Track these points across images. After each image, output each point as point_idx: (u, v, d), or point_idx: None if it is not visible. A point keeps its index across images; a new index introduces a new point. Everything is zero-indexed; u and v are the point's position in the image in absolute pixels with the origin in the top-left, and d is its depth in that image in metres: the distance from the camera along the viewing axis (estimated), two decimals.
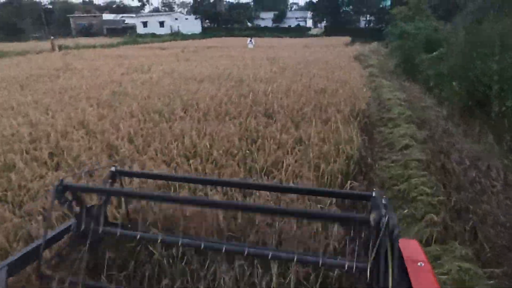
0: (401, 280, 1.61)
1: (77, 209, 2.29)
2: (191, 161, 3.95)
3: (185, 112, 6.07)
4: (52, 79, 10.33)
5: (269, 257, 2.14)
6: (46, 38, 48.97)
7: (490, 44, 7.54)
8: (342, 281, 2.35)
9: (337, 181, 3.72)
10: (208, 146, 4.40)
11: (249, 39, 26.89)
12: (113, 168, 2.49)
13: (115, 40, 39.28)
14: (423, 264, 1.69)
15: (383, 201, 1.87)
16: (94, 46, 31.03)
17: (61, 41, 36.26)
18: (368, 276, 1.86)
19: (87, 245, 2.24)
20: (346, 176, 3.94)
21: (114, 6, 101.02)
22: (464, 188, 4.80)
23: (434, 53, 12.93)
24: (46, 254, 2.18)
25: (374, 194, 2.05)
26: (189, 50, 22.75)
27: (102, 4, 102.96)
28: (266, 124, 5.45)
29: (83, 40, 39.87)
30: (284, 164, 3.84)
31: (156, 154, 4.22)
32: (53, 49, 26.45)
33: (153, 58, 17.03)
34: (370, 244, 1.87)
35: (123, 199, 2.71)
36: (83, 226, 2.29)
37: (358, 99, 7.06)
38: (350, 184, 3.51)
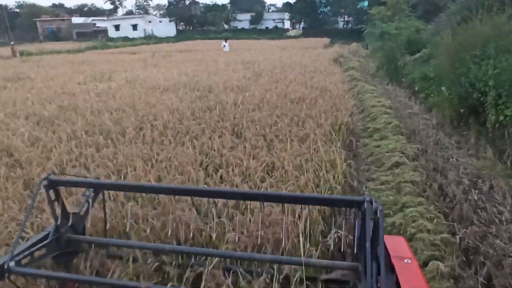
0: (389, 276, 1.57)
1: (58, 211, 2.18)
2: (130, 204, 3.05)
3: (138, 131, 5.19)
4: None
5: (261, 259, 2.15)
6: (9, 44, 47.09)
7: (483, 46, 6.95)
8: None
9: (317, 227, 2.92)
10: (154, 180, 3.54)
11: (223, 41, 26.00)
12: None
13: (83, 44, 37.79)
14: (409, 261, 1.66)
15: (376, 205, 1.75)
16: (59, 52, 29.65)
17: (26, 47, 34.68)
18: (358, 275, 1.84)
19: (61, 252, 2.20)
20: (328, 218, 3.15)
21: (85, 9, 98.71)
22: (468, 217, 4.10)
23: (418, 54, 12.43)
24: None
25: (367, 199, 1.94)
26: (160, 54, 21.76)
27: (73, 8, 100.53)
28: (233, 144, 4.62)
29: (49, 45, 38.21)
30: (250, 206, 3.02)
31: None
32: (13, 55, 24.98)
33: (120, 63, 16.00)
34: (356, 242, 1.90)
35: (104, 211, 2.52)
36: (61, 232, 2.17)
37: (340, 110, 6.32)
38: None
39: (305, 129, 5.27)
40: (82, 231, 2.35)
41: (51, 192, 2.13)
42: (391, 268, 1.65)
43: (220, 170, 3.77)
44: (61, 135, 5.00)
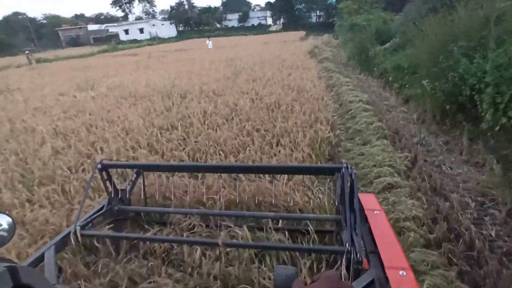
0: (363, 225, 1.59)
1: (110, 189, 2.16)
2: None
3: (72, 171, 3.32)
4: None
5: (266, 216, 2.09)
6: (37, 51, 43.93)
7: (469, 35, 5.04)
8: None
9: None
10: None
11: (207, 39, 23.35)
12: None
13: (96, 48, 34.79)
14: (378, 212, 1.66)
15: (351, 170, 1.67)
16: (74, 57, 26.95)
17: (45, 54, 31.83)
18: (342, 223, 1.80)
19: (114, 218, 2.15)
20: None
21: (102, 17, 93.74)
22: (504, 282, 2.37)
23: (387, 44, 10.40)
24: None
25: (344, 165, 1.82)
26: (157, 54, 19.38)
27: (93, 16, 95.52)
28: (186, 188, 2.79)
29: (66, 52, 35.20)
30: None
31: None
32: (30, 63, 22.42)
33: (115, 67, 13.76)
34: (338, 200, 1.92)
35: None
36: (112, 204, 2.13)
37: (319, 120, 4.45)
38: None
39: (279, 151, 3.43)
40: (128, 203, 2.26)
41: (104, 174, 2.10)
42: (365, 218, 1.61)
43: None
44: None
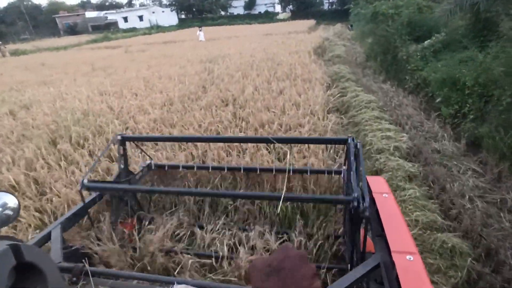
0: (371, 207, 1.47)
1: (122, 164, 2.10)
2: None
3: None
4: None
5: (274, 170, 2.17)
6: (32, 40, 41.70)
7: None
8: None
9: None
10: None
11: (198, 30, 19.69)
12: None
13: (85, 38, 32.04)
14: (387, 195, 1.60)
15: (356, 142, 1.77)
16: (57, 48, 24.29)
17: (26, 45, 29.30)
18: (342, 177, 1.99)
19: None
20: None
21: (107, 4, 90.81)
22: None
23: (427, 42, 7.36)
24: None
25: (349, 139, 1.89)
26: (138, 48, 16.51)
27: (98, 3, 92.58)
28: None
29: (50, 42, 32.58)
30: None
31: None
32: (3, 55, 19.89)
33: (71, 67, 10.93)
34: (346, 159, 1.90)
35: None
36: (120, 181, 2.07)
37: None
38: None
39: None
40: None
41: (121, 148, 2.09)
42: (373, 202, 1.54)
43: None
44: None
